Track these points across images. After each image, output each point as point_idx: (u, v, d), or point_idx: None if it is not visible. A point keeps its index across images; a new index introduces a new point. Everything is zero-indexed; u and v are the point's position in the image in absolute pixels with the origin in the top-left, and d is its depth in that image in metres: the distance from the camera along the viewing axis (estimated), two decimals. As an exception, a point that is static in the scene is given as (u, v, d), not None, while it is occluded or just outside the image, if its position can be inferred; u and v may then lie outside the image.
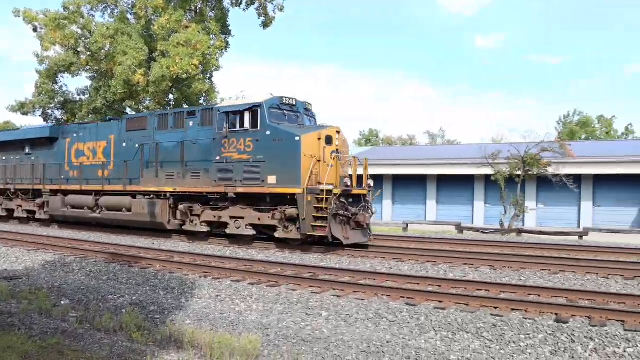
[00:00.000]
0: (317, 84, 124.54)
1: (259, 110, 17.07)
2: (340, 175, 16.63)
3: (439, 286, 11.16)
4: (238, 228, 17.92)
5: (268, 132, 16.89)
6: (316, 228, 15.88)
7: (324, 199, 15.79)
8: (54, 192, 24.25)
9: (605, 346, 7.59)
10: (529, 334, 8.05)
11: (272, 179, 16.73)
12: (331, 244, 16.61)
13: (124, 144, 21.87)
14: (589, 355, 7.44)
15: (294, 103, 17.80)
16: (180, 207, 19.38)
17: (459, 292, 10.46)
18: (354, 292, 10.70)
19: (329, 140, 16.65)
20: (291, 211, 16.47)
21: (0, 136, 28.10)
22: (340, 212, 15.97)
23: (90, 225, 23.78)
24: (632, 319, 8.45)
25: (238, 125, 17.55)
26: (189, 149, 19.32)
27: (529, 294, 10.35)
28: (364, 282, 11.49)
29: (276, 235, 17.16)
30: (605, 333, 7.90)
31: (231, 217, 18.05)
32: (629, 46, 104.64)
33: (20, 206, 26.13)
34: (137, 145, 21.10)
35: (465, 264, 13.98)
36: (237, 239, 18.37)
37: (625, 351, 7.45)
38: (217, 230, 19.02)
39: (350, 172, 17.01)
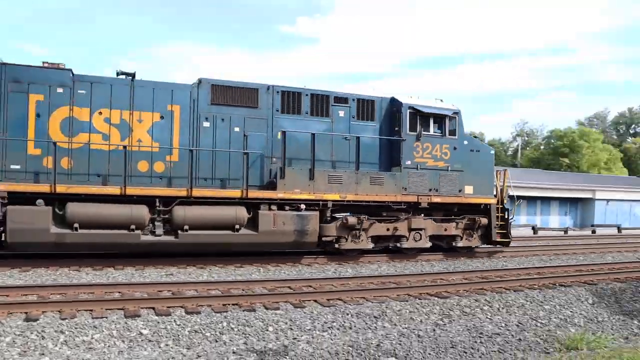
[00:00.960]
0: None
1: (456, 117, 17.62)
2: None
3: None
4: (417, 241, 17.02)
5: (465, 142, 17.94)
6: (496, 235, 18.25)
7: (499, 208, 18.36)
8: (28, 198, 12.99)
9: (75, 336, 8.02)
10: (-7, 339, 7.79)
11: (469, 189, 17.74)
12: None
13: (206, 124, 14.85)
14: (60, 348, 7.71)
15: None
16: (346, 219, 15.86)
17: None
18: None
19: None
20: (484, 220, 17.98)
21: None
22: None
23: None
24: (99, 307, 9.31)
25: (433, 130, 17.28)
26: (339, 146, 16.39)
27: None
28: None
29: (459, 244, 18.14)
30: (75, 324, 8.39)
31: (410, 229, 16.80)
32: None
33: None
34: (237, 129, 15.12)
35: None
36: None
37: (92, 337, 8.07)
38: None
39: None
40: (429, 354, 8.57)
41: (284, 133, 15.40)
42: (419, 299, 11.89)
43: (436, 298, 11.98)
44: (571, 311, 11.90)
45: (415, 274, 14.92)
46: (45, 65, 13.46)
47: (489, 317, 10.90)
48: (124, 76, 14.21)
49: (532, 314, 11.41)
